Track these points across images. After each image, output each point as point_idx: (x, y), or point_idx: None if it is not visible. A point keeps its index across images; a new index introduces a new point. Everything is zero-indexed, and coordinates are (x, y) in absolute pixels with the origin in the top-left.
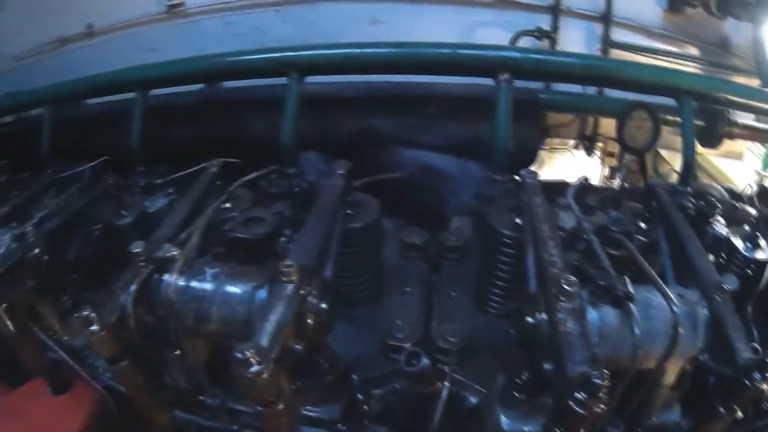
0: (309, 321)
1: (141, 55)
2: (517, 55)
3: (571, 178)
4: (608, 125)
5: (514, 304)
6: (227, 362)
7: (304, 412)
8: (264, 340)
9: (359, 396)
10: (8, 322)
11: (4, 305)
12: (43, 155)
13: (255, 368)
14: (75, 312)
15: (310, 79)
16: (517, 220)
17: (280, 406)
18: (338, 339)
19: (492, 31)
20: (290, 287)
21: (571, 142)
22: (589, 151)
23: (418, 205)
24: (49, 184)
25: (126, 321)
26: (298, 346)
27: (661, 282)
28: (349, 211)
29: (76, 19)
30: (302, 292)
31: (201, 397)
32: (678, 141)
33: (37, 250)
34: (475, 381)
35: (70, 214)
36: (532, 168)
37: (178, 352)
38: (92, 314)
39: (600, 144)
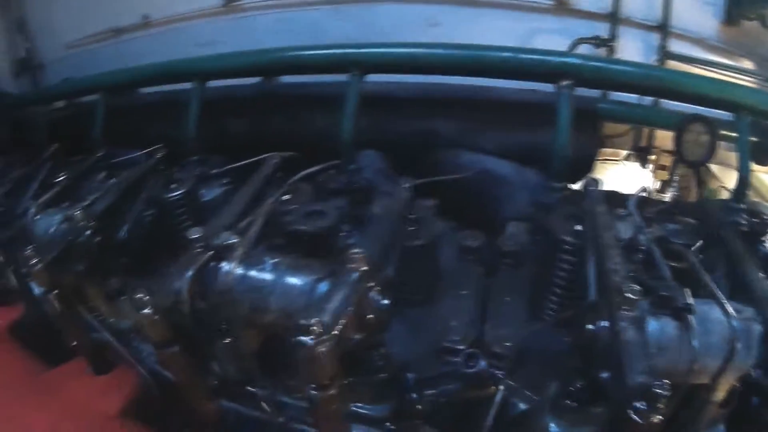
0: (369, 315)
1: (196, 48)
2: (579, 61)
3: (622, 189)
4: (662, 137)
5: (571, 312)
6: (277, 353)
7: (354, 409)
8: (327, 316)
9: (412, 396)
10: (56, 303)
11: (52, 287)
12: (96, 140)
13: (316, 340)
14: (122, 295)
15: (369, 77)
16: (577, 228)
17: (333, 391)
18: (391, 337)
19: (550, 38)
20: (355, 274)
21: (623, 153)
22: (643, 163)
23: (474, 208)
24: (101, 168)
25: (180, 306)
26: (356, 336)
27: (721, 295)
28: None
29: (132, 10)
30: (367, 283)
31: (248, 387)
32: (729, 156)
33: (87, 233)
34: (526, 387)
35: (122, 198)
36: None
37: (228, 340)
38: (146, 297)
39: (653, 156)
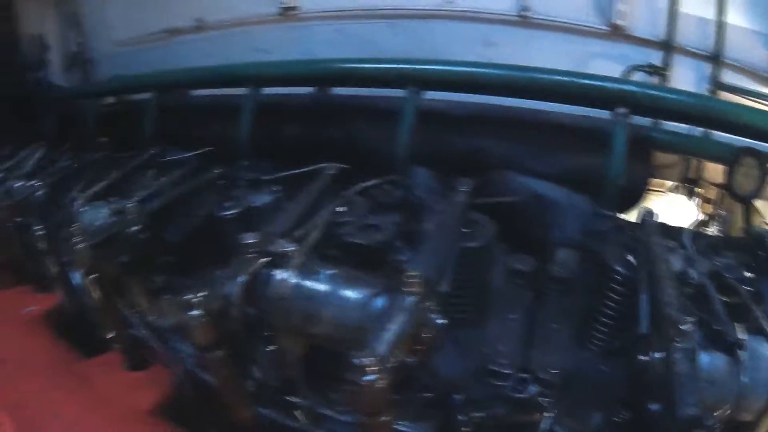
0: (425, 335)
1: (250, 54)
2: (635, 89)
3: (668, 220)
4: (711, 169)
5: (620, 342)
6: (321, 365)
7: (397, 427)
8: (383, 350)
9: (458, 417)
10: (95, 293)
11: (93, 275)
12: (146, 138)
13: (372, 377)
14: (164, 293)
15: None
16: (630, 258)
17: (383, 419)
18: (437, 356)
19: (603, 63)
20: (412, 299)
21: (669, 183)
22: (690, 194)
23: (523, 231)
24: (151, 165)
25: (229, 310)
26: (410, 360)
27: None
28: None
29: (186, 13)
30: (423, 305)
31: (287, 397)
32: None
33: (135, 227)
34: (571, 416)
35: (173, 198)
36: None
37: (272, 348)
38: (195, 299)
39: (699, 189)
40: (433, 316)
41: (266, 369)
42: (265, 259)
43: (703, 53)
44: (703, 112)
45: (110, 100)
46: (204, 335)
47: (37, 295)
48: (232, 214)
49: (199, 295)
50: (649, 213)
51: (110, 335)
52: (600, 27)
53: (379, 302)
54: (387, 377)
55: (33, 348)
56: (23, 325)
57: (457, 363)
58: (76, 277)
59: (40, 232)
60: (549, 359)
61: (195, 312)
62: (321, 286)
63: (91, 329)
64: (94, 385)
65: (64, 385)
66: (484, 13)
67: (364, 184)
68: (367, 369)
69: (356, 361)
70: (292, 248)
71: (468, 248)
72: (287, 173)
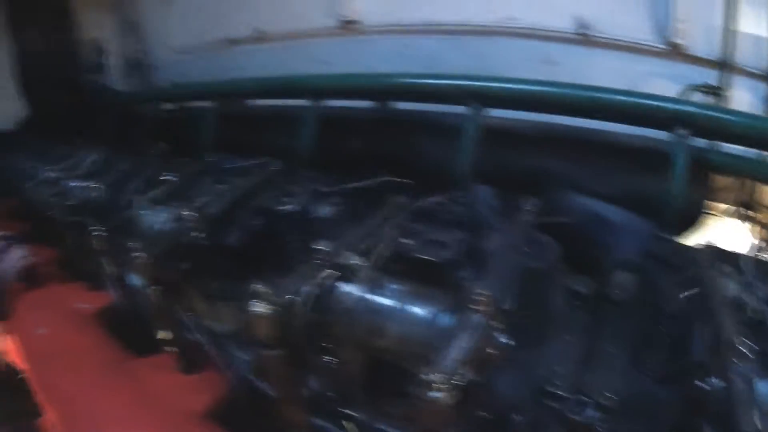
0: (489, 354)
1: (310, 66)
2: (695, 110)
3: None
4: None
5: (677, 367)
6: (380, 378)
7: None
8: (450, 366)
9: None
10: (153, 297)
11: (152, 282)
12: (205, 145)
13: (438, 393)
14: (222, 299)
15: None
16: (688, 282)
17: None
18: (497, 376)
19: (660, 82)
20: (479, 317)
21: (723, 207)
22: (744, 219)
23: (582, 252)
24: (210, 172)
25: (294, 315)
26: (474, 378)
27: None
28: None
29: (246, 23)
30: (489, 324)
31: (342, 408)
32: None
33: (196, 234)
34: None
35: (234, 205)
36: None
37: (332, 358)
38: (263, 292)
39: (755, 213)
40: (498, 335)
41: (323, 379)
42: (332, 271)
43: (761, 73)
44: (763, 133)
45: (168, 106)
46: (266, 330)
47: (90, 292)
48: (289, 210)
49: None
50: (708, 237)
51: (164, 337)
52: (657, 46)
53: (445, 319)
54: (453, 394)
55: (84, 344)
56: (75, 321)
57: (515, 383)
58: (132, 278)
59: (97, 233)
60: (606, 383)
61: (259, 308)
62: (387, 301)
63: (144, 330)
64: (145, 384)
65: (115, 382)
66: (544, 30)
67: (428, 200)
68: (434, 385)
69: (424, 376)
70: (360, 261)
71: (532, 269)
72: (348, 186)
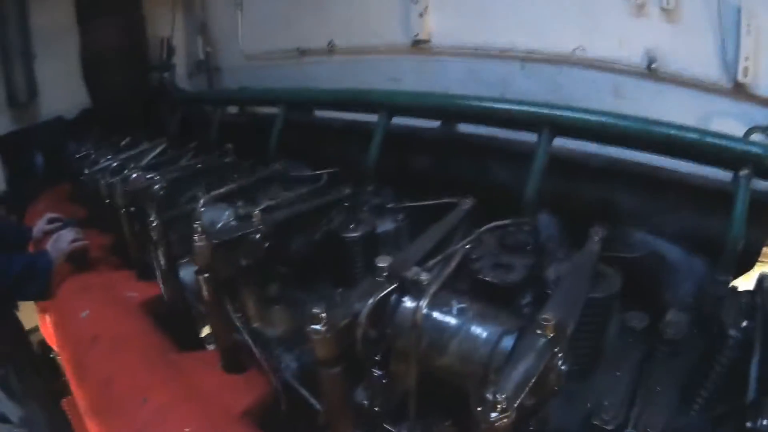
0: (550, 380)
1: (380, 82)
2: (761, 152)
3: None
4: None
5: (726, 408)
6: (433, 397)
7: None
8: (511, 388)
9: None
10: (205, 291)
11: (208, 274)
12: (271, 151)
13: (500, 414)
14: (276, 303)
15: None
16: (745, 323)
17: None
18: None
19: (724, 121)
20: (544, 341)
21: None
22: None
23: (638, 288)
24: (275, 178)
25: (354, 330)
26: (532, 403)
27: None
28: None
29: (318, 35)
30: (553, 349)
31: (386, 425)
32: None
33: (259, 235)
34: None
35: (299, 211)
36: None
37: (383, 372)
38: (322, 314)
39: None
40: (561, 361)
41: (375, 393)
42: (396, 284)
43: None
44: None
45: (234, 110)
46: (326, 349)
47: (139, 282)
48: (355, 236)
49: (326, 310)
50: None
51: (209, 333)
52: (724, 84)
53: (509, 341)
54: (513, 416)
55: (129, 331)
56: (122, 308)
57: (563, 413)
58: (184, 272)
59: (155, 223)
60: (653, 420)
61: (320, 326)
62: (451, 319)
63: (190, 325)
64: (186, 377)
65: (156, 372)
66: (614, 63)
67: (495, 223)
68: (496, 405)
69: (488, 395)
70: (426, 277)
71: (593, 299)
72: (415, 204)
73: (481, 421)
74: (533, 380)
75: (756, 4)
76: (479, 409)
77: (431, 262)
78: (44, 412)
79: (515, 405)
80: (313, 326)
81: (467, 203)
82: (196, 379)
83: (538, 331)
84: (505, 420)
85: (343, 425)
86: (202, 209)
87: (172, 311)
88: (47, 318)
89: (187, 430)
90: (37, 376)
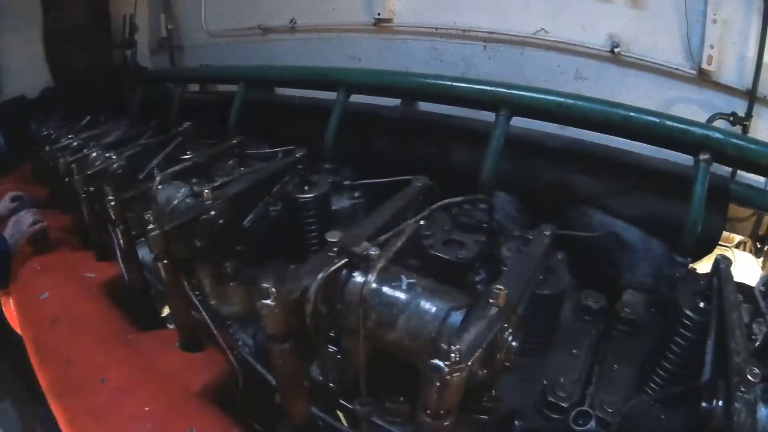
0: (498, 354)
1: (341, 60)
2: (722, 136)
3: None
4: None
5: (681, 388)
6: (383, 373)
7: None
8: (465, 345)
9: None
10: (163, 273)
11: (165, 256)
12: (230, 128)
13: (451, 366)
14: (232, 280)
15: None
16: (701, 305)
17: (446, 423)
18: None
19: (687, 107)
20: (495, 310)
21: (737, 238)
22: (758, 252)
23: (595, 268)
24: (233, 155)
25: (304, 305)
26: (480, 372)
27: None
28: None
29: (281, 13)
30: (503, 322)
31: (342, 401)
32: None
33: (213, 213)
34: None
35: (254, 188)
36: None
37: (335, 349)
38: (272, 287)
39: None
40: (511, 336)
41: (329, 370)
42: (346, 259)
43: None
44: None
45: (195, 87)
46: (275, 325)
47: (99, 262)
48: (308, 198)
49: (276, 284)
50: (725, 260)
51: (169, 313)
52: (688, 71)
53: (458, 317)
54: (463, 373)
55: (88, 312)
56: (81, 289)
57: (518, 390)
58: (143, 252)
59: (112, 203)
60: (607, 398)
61: (269, 301)
62: (400, 294)
63: (150, 304)
64: (144, 357)
65: (114, 352)
66: (577, 45)
67: (449, 200)
68: (448, 355)
69: (442, 345)
70: (376, 252)
71: (542, 296)
72: (371, 181)
73: (433, 379)
74: (484, 346)
75: None
76: (432, 362)
77: (382, 238)
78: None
79: (468, 363)
80: (263, 301)
81: (421, 180)
82: (154, 358)
83: (491, 300)
84: (458, 374)
85: (298, 401)
86: (159, 187)
87: (132, 291)
88: (9, 301)
89: (146, 408)
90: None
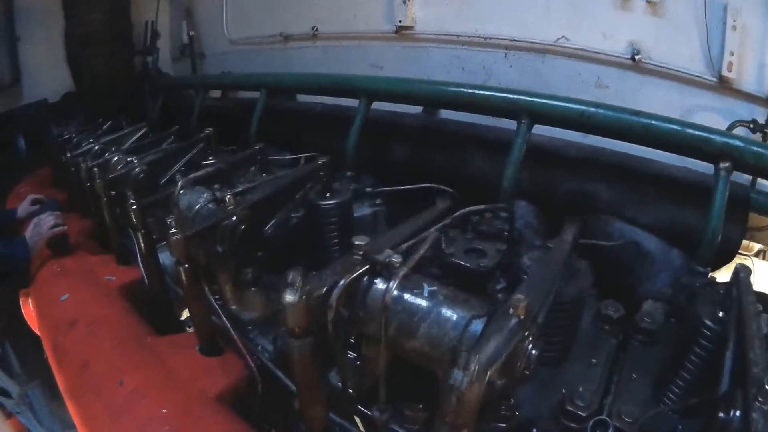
0: (518, 363)
1: (363, 68)
2: (742, 144)
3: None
4: None
5: (700, 398)
6: (403, 381)
7: None
8: (483, 358)
9: None
10: (184, 278)
11: (185, 261)
12: (251, 135)
13: (470, 378)
14: (252, 286)
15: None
16: (720, 314)
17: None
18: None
19: (707, 115)
20: (515, 320)
21: (756, 247)
22: None
23: (615, 277)
24: (255, 161)
25: (325, 306)
26: (500, 382)
27: None
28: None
29: (303, 21)
30: (523, 332)
31: (360, 407)
32: None
33: (234, 218)
34: None
35: (275, 195)
36: None
37: (354, 355)
38: (297, 283)
39: None
40: (531, 345)
41: (348, 376)
42: (369, 266)
43: None
44: None
45: (216, 94)
46: (297, 319)
47: (119, 266)
48: (330, 205)
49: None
50: (745, 269)
51: (188, 317)
52: (708, 78)
53: (478, 325)
54: (482, 385)
55: (107, 315)
56: (101, 292)
57: (536, 399)
58: (163, 256)
59: (134, 207)
60: (626, 408)
61: (294, 292)
62: (421, 301)
63: (169, 308)
64: (162, 361)
65: (133, 354)
66: (597, 53)
67: (470, 208)
68: (468, 372)
69: (461, 361)
70: (398, 259)
71: (564, 294)
72: (392, 189)
73: (452, 391)
74: (504, 357)
75: (741, 1)
76: (451, 374)
77: (404, 246)
78: (43, 389)
79: (486, 376)
80: (288, 292)
81: (446, 201)
82: (172, 362)
83: (510, 311)
84: (476, 388)
85: (315, 406)
86: (181, 192)
87: (151, 295)
88: (29, 301)
89: (164, 411)
90: (36, 352)
